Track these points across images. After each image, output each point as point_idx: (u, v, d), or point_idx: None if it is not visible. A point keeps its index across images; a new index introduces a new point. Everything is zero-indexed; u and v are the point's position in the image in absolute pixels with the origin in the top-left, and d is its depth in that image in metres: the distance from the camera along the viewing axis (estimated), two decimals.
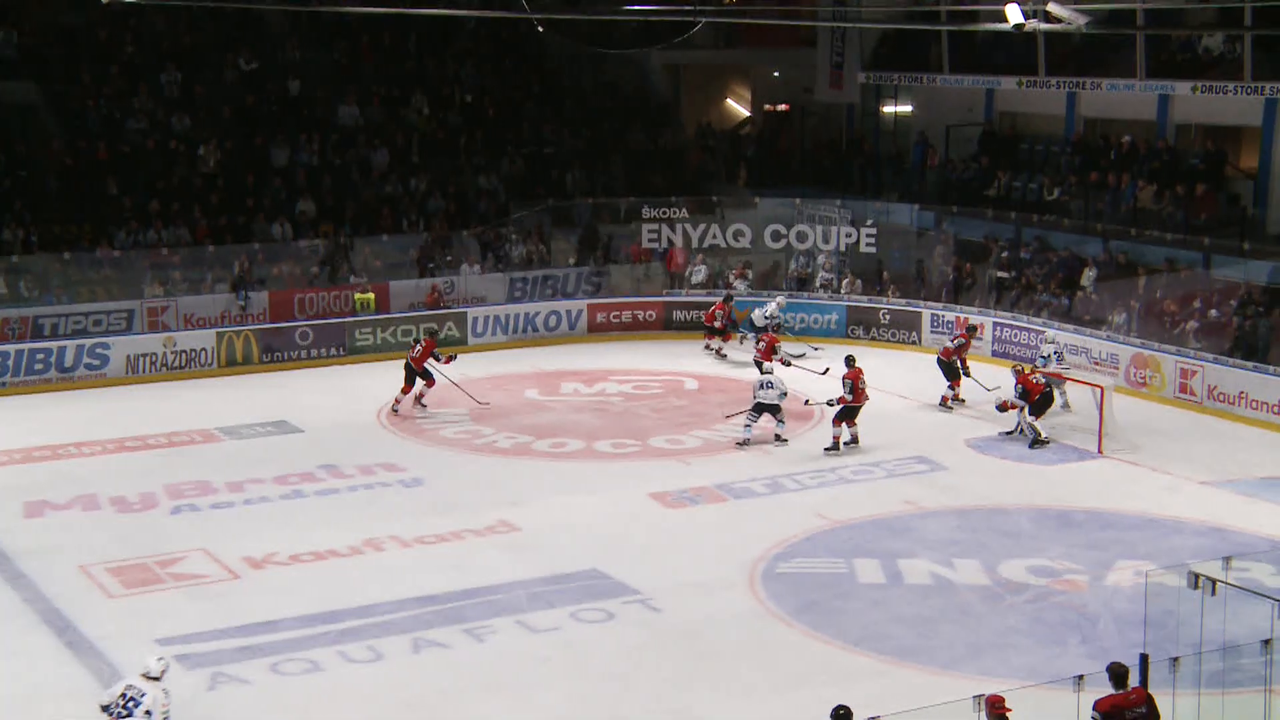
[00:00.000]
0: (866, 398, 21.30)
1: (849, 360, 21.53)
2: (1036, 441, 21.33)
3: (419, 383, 23.39)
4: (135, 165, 29.28)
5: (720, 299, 27.85)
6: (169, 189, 28.98)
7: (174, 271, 27.49)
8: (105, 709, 11.11)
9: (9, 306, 25.82)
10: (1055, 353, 23.21)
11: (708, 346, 27.59)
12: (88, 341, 25.50)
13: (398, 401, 23.38)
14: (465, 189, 31.43)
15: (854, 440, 21.24)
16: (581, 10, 31.08)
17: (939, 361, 23.87)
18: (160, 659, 11.51)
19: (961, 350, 24.02)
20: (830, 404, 21.33)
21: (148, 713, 10.97)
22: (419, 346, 23.44)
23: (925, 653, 14.44)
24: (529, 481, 20.02)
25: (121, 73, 31.14)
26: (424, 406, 23.50)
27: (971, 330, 24.93)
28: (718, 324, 27.37)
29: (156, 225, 28.00)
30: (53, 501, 18.94)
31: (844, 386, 21.11)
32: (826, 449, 21.00)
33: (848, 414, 21.12)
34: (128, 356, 25.53)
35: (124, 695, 11.08)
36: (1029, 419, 21.52)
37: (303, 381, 25.74)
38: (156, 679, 11.25)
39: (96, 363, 25.33)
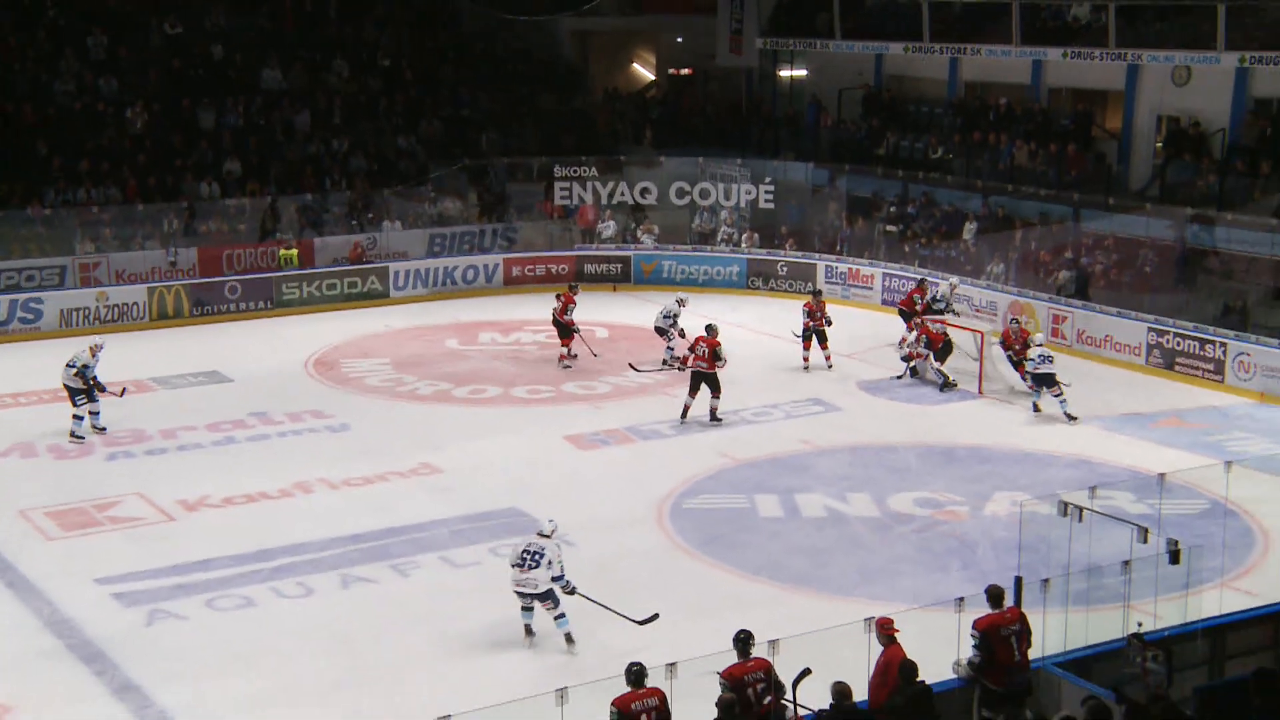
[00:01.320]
0: (714, 368, 19.63)
1: (709, 329, 20.04)
2: (946, 385, 21.61)
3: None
4: (63, 126, 28.56)
5: (916, 284, 24.22)
6: (98, 150, 28.31)
7: (105, 229, 26.93)
8: (515, 565, 12.67)
9: None
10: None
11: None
12: (21, 296, 25.01)
13: (563, 358, 23.06)
14: (385, 149, 31.06)
15: (685, 411, 19.93)
16: None
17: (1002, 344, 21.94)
18: (551, 520, 13.13)
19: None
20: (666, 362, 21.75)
21: (550, 563, 12.60)
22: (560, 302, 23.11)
23: (820, 580, 14.69)
24: (449, 426, 19.99)
25: (47, 36, 30.32)
26: (566, 365, 23.03)
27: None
28: (918, 307, 23.35)
29: (86, 185, 27.40)
30: None
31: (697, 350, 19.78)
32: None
33: (693, 380, 19.78)
34: (61, 310, 25.08)
35: (528, 550, 12.66)
36: (935, 364, 21.77)
37: (232, 333, 25.41)
38: (548, 536, 12.80)
39: (30, 317, 24.86)
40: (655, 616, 13.17)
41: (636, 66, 39.71)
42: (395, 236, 28.94)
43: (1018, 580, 11.50)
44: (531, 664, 12.62)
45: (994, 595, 10.85)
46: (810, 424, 20.11)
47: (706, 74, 36.88)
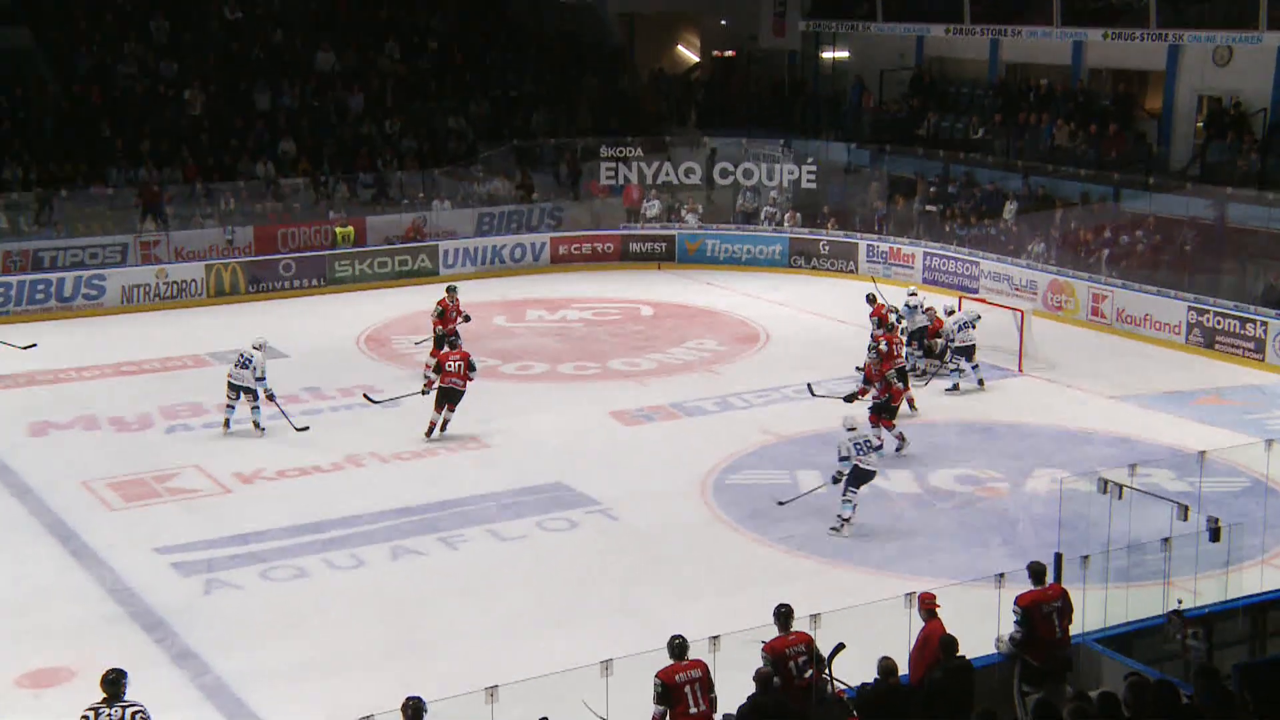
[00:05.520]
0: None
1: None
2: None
3: None
4: (126, 108, 28.67)
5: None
6: (158, 131, 28.40)
7: (165, 207, 26.99)
8: (235, 365, 17.73)
9: (10, 240, 25.38)
10: None
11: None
12: (85, 273, 25.14)
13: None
14: (436, 130, 31.00)
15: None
16: None
17: None
18: (260, 337, 17.73)
19: None
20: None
21: (255, 368, 17.62)
22: None
23: (861, 554, 14.54)
24: (497, 401, 19.86)
25: (113, 20, 30.45)
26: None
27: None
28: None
29: (147, 165, 27.50)
30: (55, 421, 18.74)
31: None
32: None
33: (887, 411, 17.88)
34: (123, 287, 25.19)
35: (241, 354, 16.93)
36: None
37: (286, 310, 25.44)
38: (258, 349, 17.28)
39: (94, 293, 24.99)
40: (305, 430, 17.03)
41: (681, 49, 39.48)
42: (445, 215, 28.88)
43: (1058, 556, 11.34)
44: (577, 636, 12.52)
45: (1036, 572, 10.67)
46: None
47: (750, 56, 36.59)
